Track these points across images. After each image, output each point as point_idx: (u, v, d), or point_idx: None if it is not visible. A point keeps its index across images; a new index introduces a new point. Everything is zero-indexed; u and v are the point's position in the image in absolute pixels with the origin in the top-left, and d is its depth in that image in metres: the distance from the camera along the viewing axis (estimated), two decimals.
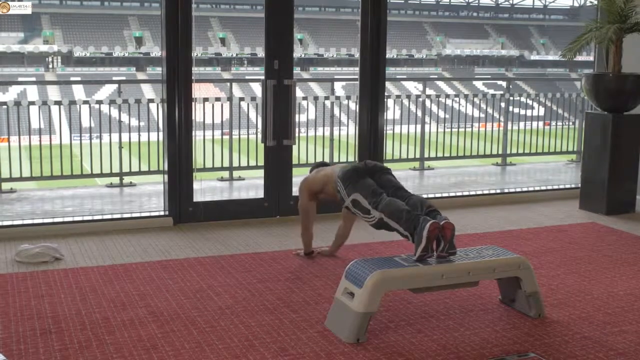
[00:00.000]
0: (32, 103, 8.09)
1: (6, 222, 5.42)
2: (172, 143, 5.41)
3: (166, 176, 5.50)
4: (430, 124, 9.40)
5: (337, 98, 9.03)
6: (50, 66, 35.53)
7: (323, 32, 39.60)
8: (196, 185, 5.57)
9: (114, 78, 32.19)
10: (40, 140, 8.46)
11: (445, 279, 3.38)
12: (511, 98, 9.51)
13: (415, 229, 3.49)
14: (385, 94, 6.09)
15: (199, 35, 33.27)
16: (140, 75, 35.26)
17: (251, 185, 7.50)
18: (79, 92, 28.04)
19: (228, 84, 8.90)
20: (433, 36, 42.04)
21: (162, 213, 5.57)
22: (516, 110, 10.85)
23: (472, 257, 3.50)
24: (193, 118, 5.48)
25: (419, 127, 8.92)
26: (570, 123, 10.14)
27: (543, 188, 7.00)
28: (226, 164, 7.93)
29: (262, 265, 4.43)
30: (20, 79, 31.52)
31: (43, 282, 4.05)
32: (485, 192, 6.96)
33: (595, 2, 6.41)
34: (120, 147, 7.55)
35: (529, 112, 12.95)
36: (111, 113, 8.56)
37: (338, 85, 23.52)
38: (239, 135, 8.46)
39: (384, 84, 5.96)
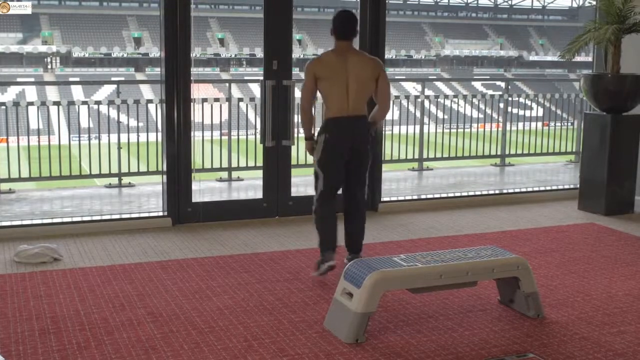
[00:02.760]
0: (31, 103, 8.08)
1: (5, 222, 5.42)
2: (171, 143, 5.41)
3: (165, 177, 5.50)
4: (429, 124, 9.40)
5: None
6: (49, 67, 35.52)
7: (322, 33, 39.55)
8: (195, 186, 5.57)
9: (113, 78, 32.17)
10: (39, 141, 8.42)
11: (444, 279, 3.39)
12: (510, 98, 9.51)
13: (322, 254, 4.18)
14: None
15: (197, 36, 33.23)
16: (139, 76, 35.27)
17: (250, 186, 7.49)
18: (77, 92, 28.03)
19: (227, 84, 8.90)
20: (432, 37, 42.06)
21: (161, 213, 5.58)
22: (515, 110, 10.85)
23: (471, 257, 3.50)
24: (192, 118, 5.48)
25: (417, 127, 8.91)
26: (569, 123, 10.13)
27: (542, 189, 7.00)
28: (225, 164, 7.92)
29: (261, 265, 4.43)
30: (19, 80, 31.54)
31: (42, 282, 4.05)
32: (484, 192, 6.96)
33: (594, 3, 6.42)
34: (119, 148, 7.55)
35: (527, 113, 12.96)
36: (110, 113, 8.57)
37: None
38: (238, 135, 8.47)
39: None
